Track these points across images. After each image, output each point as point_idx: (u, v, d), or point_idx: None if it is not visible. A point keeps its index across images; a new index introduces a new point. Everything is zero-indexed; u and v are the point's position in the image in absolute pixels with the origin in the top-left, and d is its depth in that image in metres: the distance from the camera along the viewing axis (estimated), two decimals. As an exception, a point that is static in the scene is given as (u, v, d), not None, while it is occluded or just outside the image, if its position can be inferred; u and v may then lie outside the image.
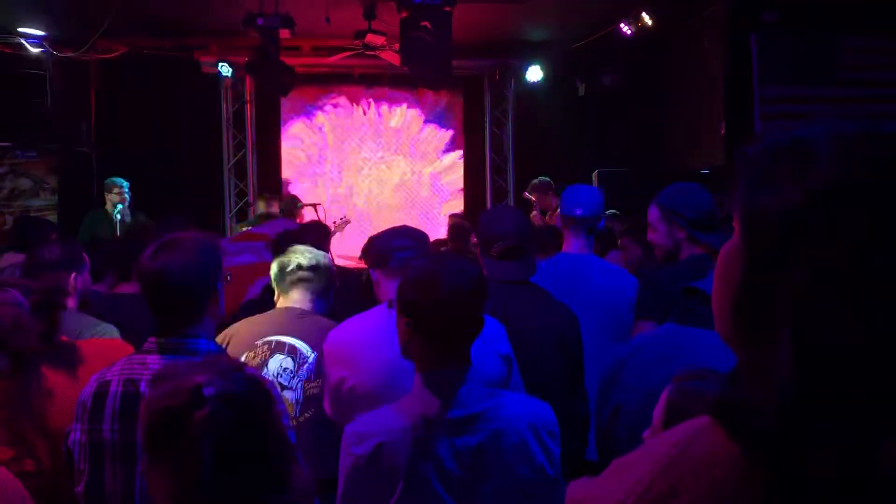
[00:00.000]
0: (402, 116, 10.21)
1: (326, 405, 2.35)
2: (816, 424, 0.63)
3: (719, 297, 0.79)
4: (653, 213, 2.96)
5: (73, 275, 2.81)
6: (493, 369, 2.23)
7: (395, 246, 2.44)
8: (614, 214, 6.22)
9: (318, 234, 3.87)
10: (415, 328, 1.78)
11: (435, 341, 1.77)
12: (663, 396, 1.49)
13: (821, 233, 0.66)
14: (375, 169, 10.20)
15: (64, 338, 2.25)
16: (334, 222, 7.03)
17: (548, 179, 7.32)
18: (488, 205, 10.33)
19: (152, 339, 1.96)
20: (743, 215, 0.74)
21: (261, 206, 7.78)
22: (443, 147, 10.36)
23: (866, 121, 0.72)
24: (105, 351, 2.38)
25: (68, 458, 1.91)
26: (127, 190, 6.69)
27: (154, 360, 1.92)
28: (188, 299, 1.95)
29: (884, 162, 0.68)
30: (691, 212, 2.84)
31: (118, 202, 6.60)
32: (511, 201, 10.29)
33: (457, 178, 10.44)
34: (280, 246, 3.72)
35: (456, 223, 6.85)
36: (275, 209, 7.47)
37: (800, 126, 0.74)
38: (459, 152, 10.41)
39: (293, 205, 7.46)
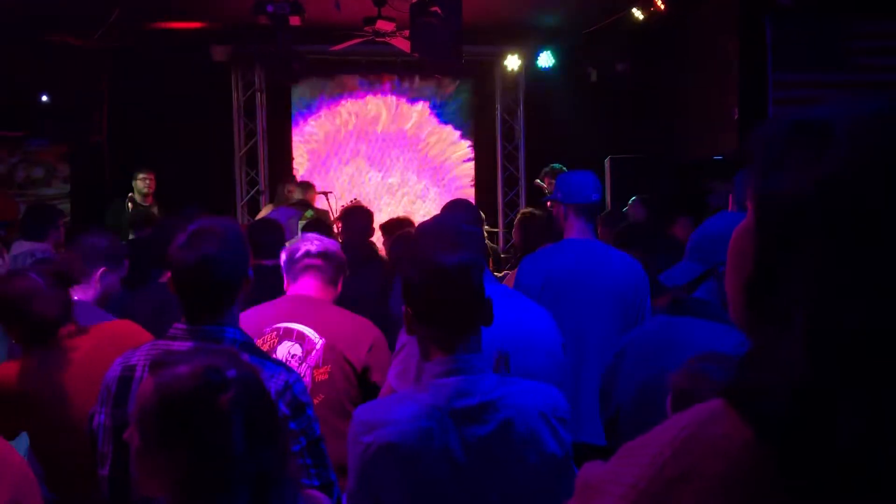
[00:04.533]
0: (412, 104, 10.18)
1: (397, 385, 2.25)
2: (831, 409, 0.62)
3: (732, 279, 0.77)
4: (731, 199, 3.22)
5: (101, 269, 2.83)
6: (564, 361, 2.28)
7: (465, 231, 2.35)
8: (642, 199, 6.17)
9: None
10: (418, 312, 1.77)
11: (439, 326, 1.76)
12: (672, 381, 1.48)
13: (837, 218, 0.64)
14: (385, 155, 10.19)
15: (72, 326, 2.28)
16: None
17: (561, 166, 7.29)
18: (499, 192, 10.31)
19: (180, 325, 1.95)
20: (757, 197, 0.72)
21: (297, 194, 7.80)
22: (453, 134, 10.33)
23: (884, 99, 0.70)
24: (118, 329, 2.42)
25: (92, 441, 1.93)
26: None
27: (181, 347, 1.89)
28: (225, 289, 1.94)
29: None
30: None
31: (143, 189, 6.80)
32: (522, 189, 10.26)
33: (467, 165, 10.42)
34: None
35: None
36: (311, 196, 7.51)
37: (816, 106, 0.72)
38: (470, 139, 10.37)
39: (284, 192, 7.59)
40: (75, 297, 2.77)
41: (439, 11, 5.79)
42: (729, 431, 0.69)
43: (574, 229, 3.17)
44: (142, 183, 6.91)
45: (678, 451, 0.71)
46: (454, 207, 2.94)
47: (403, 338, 2.27)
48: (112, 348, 2.09)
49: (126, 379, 1.91)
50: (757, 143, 0.74)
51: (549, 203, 3.40)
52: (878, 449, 0.61)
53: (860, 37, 7.40)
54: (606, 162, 8.27)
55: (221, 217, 2.07)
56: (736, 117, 7.68)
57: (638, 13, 7.89)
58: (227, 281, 1.94)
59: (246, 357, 1.50)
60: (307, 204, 7.13)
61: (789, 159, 0.69)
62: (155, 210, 6.96)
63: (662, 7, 7.58)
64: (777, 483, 0.65)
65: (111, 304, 2.97)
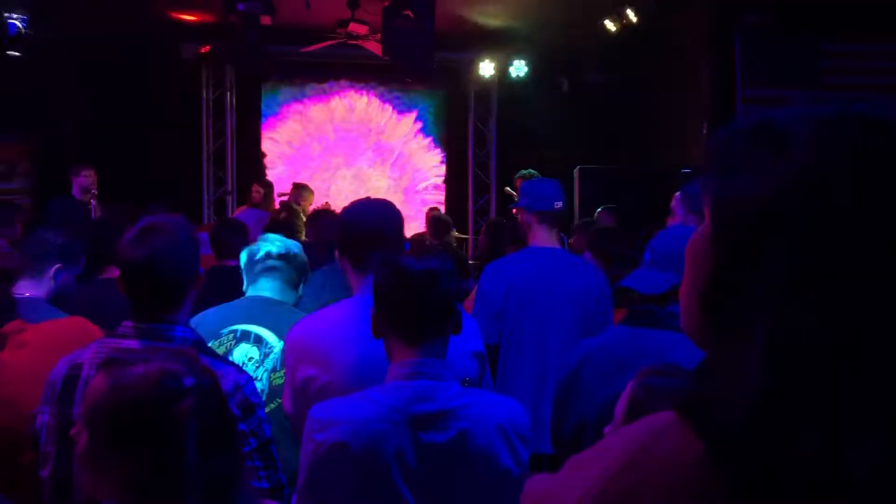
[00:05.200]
0: (384, 107, 10.14)
1: (287, 403, 2.20)
2: (786, 422, 0.60)
3: (687, 288, 0.75)
4: (676, 198, 3.03)
5: (56, 266, 2.75)
6: (467, 369, 2.15)
7: (371, 239, 2.22)
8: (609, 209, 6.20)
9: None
10: (386, 316, 1.76)
11: (406, 330, 1.74)
12: (626, 392, 1.45)
13: (796, 224, 0.62)
14: (354, 160, 10.14)
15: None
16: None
17: (534, 172, 7.29)
18: (470, 199, 10.31)
19: (129, 323, 1.90)
20: (714, 203, 0.70)
21: (289, 196, 7.69)
22: (425, 140, 10.32)
23: (843, 103, 0.68)
24: (68, 327, 2.35)
25: (35, 441, 1.87)
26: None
27: (130, 346, 1.85)
28: (174, 286, 1.90)
29: (863, 147, 0.64)
30: None
31: (88, 186, 6.53)
32: (493, 196, 10.27)
33: (438, 171, 10.40)
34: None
35: (436, 216, 6.82)
36: (305, 198, 7.40)
37: (774, 110, 0.70)
38: (441, 146, 10.36)
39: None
40: (27, 294, 2.70)
41: (412, 15, 5.77)
42: (680, 444, 0.67)
43: (538, 237, 3.17)
44: (87, 180, 6.68)
45: (627, 464, 0.69)
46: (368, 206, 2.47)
47: (299, 369, 2.15)
48: (60, 347, 2.02)
49: (72, 378, 1.86)
50: (715, 147, 0.72)
51: (514, 210, 3.40)
52: (836, 463, 0.59)
53: (828, 55, 7.54)
54: (575, 172, 8.30)
55: (172, 215, 2.02)
56: (705, 131, 7.76)
57: (611, 25, 7.95)
58: (176, 278, 1.90)
59: (205, 360, 1.46)
60: (289, 207, 7.08)
61: (749, 163, 0.67)
62: (96, 207, 6.72)
63: (635, 20, 7.65)
64: (730, 496, 0.63)
65: (65, 302, 2.89)
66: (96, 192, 6.55)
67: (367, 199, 2.49)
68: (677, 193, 3.01)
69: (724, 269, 0.68)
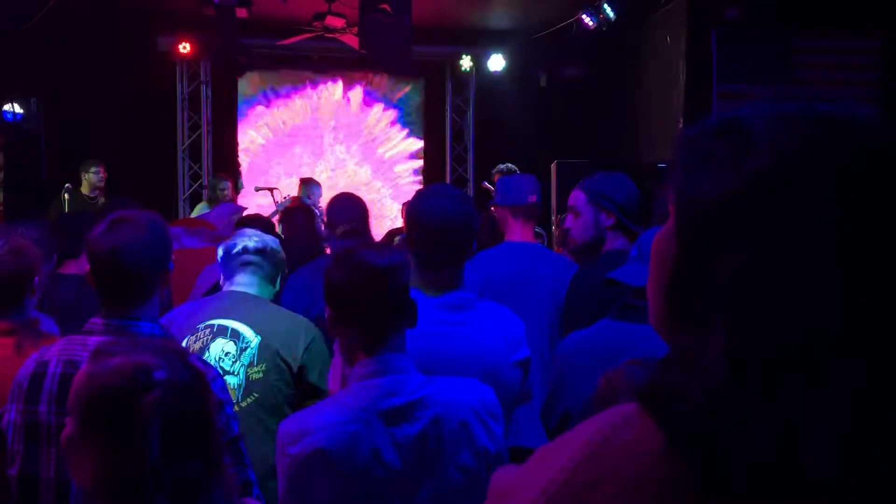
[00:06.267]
0: (361, 102, 10.10)
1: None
2: (745, 418, 0.61)
3: (653, 283, 0.76)
4: (578, 198, 2.79)
5: None
6: (512, 380, 2.10)
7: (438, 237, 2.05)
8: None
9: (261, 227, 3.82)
10: (346, 314, 1.74)
11: (369, 328, 1.73)
12: (599, 384, 1.47)
13: (756, 223, 0.63)
14: (332, 155, 10.09)
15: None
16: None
17: (514, 167, 7.29)
18: (447, 193, 10.29)
19: (96, 319, 1.90)
20: (678, 199, 0.71)
21: (301, 191, 7.55)
22: (402, 134, 10.29)
23: (807, 102, 0.69)
24: None
25: (1, 440, 1.86)
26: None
27: (96, 342, 1.83)
28: (140, 279, 1.90)
29: (823, 147, 0.65)
30: (623, 197, 2.76)
31: (98, 182, 6.61)
32: (471, 190, 10.28)
33: (416, 165, 10.38)
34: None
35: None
36: (311, 193, 7.29)
37: (742, 107, 0.72)
38: (419, 140, 10.34)
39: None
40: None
41: (388, 8, 5.75)
42: (641, 436, 0.67)
43: (513, 231, 3.19)
44: (95, 176, 6.74)
45: (590, 455, 0.70)
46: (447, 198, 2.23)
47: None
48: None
49: (39, 375, 1.85)
50: (682, 144, 0.73)
51: (492, 207, 3.41)
52: (793, 459, 0.60)
53: (803, 51, 7.62)
54: (553, 166, 8.33)
55: (143, 210, 2.02)
56: (681, 126, 7.81)
57: (588, 20, 7.98)
58: (142, 270, 1.89)
59: (194, 359, 1.46)
60: (300, 202, 7.01)
61: (711, 160, 0.68)
62: (101, 203, 6.71)
63: (612, 15, 7.68)
64: (689, 488, 0.64)
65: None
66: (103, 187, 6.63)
67: (439, 186, 2.37)
68: (579, 193, 2.79)
69: (686, 265, 0.69)
